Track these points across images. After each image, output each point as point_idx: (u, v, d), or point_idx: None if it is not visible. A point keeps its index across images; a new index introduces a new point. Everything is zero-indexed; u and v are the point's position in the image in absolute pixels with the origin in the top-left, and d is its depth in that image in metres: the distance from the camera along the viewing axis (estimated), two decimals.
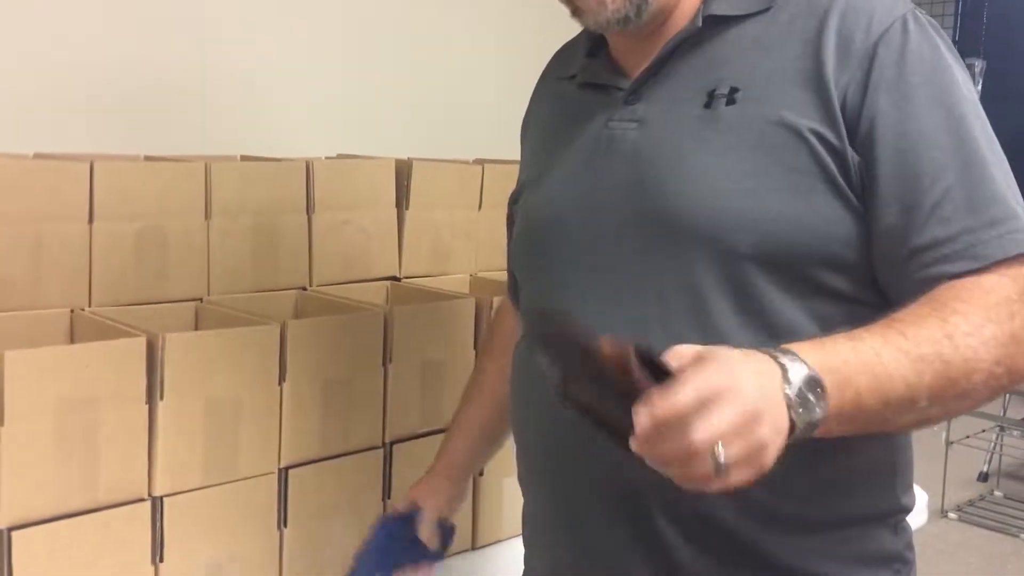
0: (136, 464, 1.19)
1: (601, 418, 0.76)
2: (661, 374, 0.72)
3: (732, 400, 0.71)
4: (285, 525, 1.33)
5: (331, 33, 2.38)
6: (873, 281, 0.93)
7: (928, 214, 0.88)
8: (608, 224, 0.99)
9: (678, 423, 0.70)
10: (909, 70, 0.90)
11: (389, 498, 1.43)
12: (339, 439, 1.38)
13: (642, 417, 0.70)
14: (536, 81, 1.23)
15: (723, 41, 0.97)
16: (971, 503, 3.92)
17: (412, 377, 1.46)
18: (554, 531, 1.07)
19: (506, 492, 1.53)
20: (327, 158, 1.87)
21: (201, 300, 1.50)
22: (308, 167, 1.63)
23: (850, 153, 0.90)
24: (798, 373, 0.76)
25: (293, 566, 1.34)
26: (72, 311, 1.39)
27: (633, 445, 0.71)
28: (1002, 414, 4.02)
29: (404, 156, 1.81)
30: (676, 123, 0.97)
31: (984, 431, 4.06)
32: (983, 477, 4.16)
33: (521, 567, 1.16)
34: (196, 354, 1.23)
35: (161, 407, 1.20)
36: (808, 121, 0.91)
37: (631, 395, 0.71)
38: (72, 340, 1.38)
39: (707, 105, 0.95)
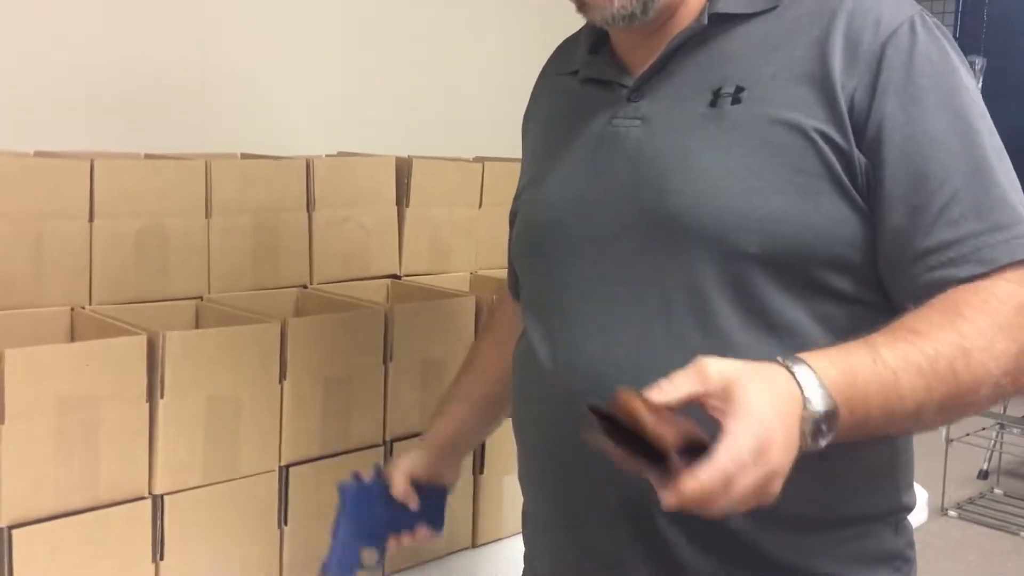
0: (136, 462, 1.19)
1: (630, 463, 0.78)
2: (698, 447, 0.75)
3: (761, 463, 0.74)
4: (285, 523, 1.33)
5: (331, 33, 2.38)
6: (876, 282, 0.93)
7: (935, 216, 0.88)
8: (610, 222, 0.98)
9: (703, 500, 0.73)
10: (917, 72, 0.90)
11: None
12: (340, 437, 1.38)
13: (668, 499, 0.74)
14: (536, 78, 1.22)
15: (729, 39, 0.97)
16: (971, 501, 3.91)
17: (412, 375, 1.46)
18: (554, 530, 1.06)
19: (506, 490, 1.53)
20: (327, 156, 1.87)
21: (201, 298, 1.50)
22: (308, 165, 1.63)
23: (856, 155, 0.90)
24: (818, 405, 0.78)
25: (293, 565, 1.34)
26: (73, 309, 1.39)
27: (662, 503, 0.75)
28: (1002, 411, 4.01)
29: (404, 154, 1.81)
30: (680, 121, 0.96)
31: (984, 429, 4.06)
32: (983, 475, 4.15)
33: (521, 565, 1.16)
34: (197, 352, 1.23)
35: (161, 405, 1.20)
36: (814, 121, 0.90)
37: (667, 468, 0.75)
38: (73, 338, 1.38)
39: (712, 104, 0.95)
